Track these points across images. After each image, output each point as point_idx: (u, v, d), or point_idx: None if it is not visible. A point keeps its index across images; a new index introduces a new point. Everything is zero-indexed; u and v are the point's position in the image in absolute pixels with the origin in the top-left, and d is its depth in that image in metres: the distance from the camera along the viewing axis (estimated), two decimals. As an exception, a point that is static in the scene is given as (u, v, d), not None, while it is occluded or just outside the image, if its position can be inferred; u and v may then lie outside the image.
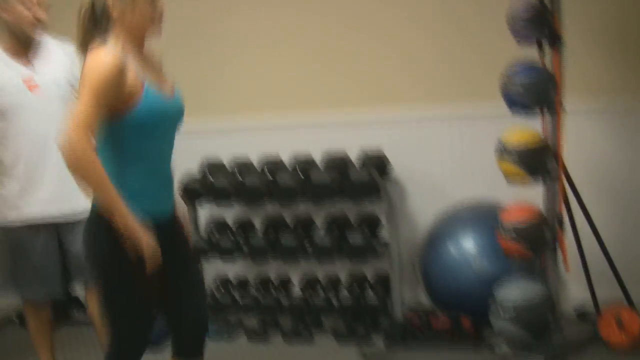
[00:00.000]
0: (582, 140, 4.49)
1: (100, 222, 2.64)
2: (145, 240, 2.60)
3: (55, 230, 3.80)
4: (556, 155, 3.95)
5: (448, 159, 4.76)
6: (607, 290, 4.26)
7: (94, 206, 2.69)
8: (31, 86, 3.66)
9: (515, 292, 3.94)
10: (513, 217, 3.91)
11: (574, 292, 4.54)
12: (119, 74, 2.54)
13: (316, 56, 4.93)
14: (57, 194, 3.73)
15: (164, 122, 2.71)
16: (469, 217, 4.53)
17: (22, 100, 3.64)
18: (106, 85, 2.52)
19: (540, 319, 3.88)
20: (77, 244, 3.75)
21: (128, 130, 2.62)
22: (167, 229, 2.81)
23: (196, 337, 2.94)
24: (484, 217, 4.39)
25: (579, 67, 4.34)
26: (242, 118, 5.07)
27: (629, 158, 4.51)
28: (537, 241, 3.89)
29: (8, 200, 3.73)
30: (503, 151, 3.87)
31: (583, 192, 4.16)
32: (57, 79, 3.72)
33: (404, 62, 4.79)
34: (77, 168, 2.52)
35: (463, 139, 4.71)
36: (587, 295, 4.32)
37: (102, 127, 2.58)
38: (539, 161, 3.84)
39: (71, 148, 2.49)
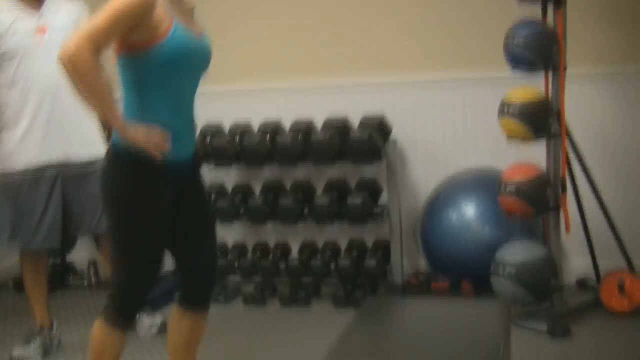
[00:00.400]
0: (586, 106, 4.46)
1: (118, 159, 2.65)
2: (146, 135, 2.57)
3: (58, 180, 3.84)
4: (558, 114, 3.91)
5: (450, 126, 4.71)
6: (609, 259, 4.22)
7: (113, 143, 2.67)
8: (41, 32, 3.74)
9: (516, 251, 3.90)
10: (514, 175, 3.87)
11: (576, 265, 4.49)
12: (146, 5, 2.50)
13: (319, 23, 4.89)
14: (63, 140, 3.80)
15: (190, 60, 2.66)
16: (471, 184, 4.49)
17: (32, 45, 3.71)
18: (129, 12, 2.48)
19: (541, 279, 3.84)
20: (80, 195, 3.87)
21: (154, 65, 2.58)
22: (187, 169, 2.80)
23: (204, 285, 2.92)
24: (486, 184, 4.34)
25: (583, 33, 4.31)
26: (245, 83, 5.04)
27: (634, 125, 4.45)
28: (538, 199, 3.84)
29: (14, 143, 3.78)
30: (505, 109, 3.83)
31: (586, 157, 4.11)
32: (67, 27, 3.75)
33: (407, 28, 4.75)
34: (73, 73, 2.49)
35: (466, 106, 4.67)
36: (589, 266, 4.27)
37: (128, 63, 2.58)
38: (540, 118, 3.81)
39: (70, 52, 2.46)
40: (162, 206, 2.70)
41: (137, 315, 2.76)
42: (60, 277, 5.13)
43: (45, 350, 3.95)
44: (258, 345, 3.94)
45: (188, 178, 2.81)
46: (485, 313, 2.93)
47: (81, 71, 2.46)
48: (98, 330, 2.79)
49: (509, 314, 2.92)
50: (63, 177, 3.84)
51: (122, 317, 2.78)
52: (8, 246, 3.98)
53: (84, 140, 3.88)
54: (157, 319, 4.18)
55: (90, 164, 3.84)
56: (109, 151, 2.71)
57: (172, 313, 2.93)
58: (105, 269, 5.09)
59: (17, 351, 3.89)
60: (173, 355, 2.95)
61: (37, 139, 3.77)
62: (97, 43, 2.47)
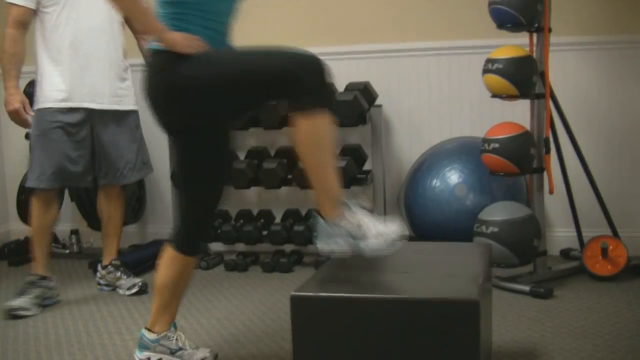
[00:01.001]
0: (571, 75, 4.48)
1: (162, 57, 2.59)
2: (184, 38, 2.54)
3: (87, 124, 3.99)
4: (543, 75, 3.91)
5: (436, 95, 4.71)
6: (593, 228, 4.23)
7: (153, 51, 2.63)
8: None
9: (499, 211, 3.88)
10: (497, 133, 3.86)
11: (561, 237, 4.50)
12: None
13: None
14: (97, 87, 3.99)
15: None
16: (455, 151, 4.46)
17: None
18: None
19: (524, 238, 3.81)
20: (111, 142, 4.07)
21: None
22: None
23: (202, 230, 2.94)
24: (470, 151, 4.32)
25: (568, 2, 4.34)
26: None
27: (619, 94, 4.45)
28: (522, 157, 3.83)
29: (51, 84, 3.92)
30: (489, 65, 3.83)
31: (571, 125, 4.11)
32: None
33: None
34: None
35: (451, 75, 4.67)
36: (573, 238, 4.27)
37: None
38: (525, 75, 3.80)
39: None
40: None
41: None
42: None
43: (43, 301, 3.95)
44: (237, 305, 3.90)
45: None
46: (467, 252, 2.91)
47: None
48: (313, 125, 2.46)
49: (490, 252, 2.90)
50: (93, 123, 4.00)
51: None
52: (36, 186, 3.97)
53: (115, 91, 4.05)
54: (137, 280, 4.16)
55: (119, 114, 4.06)
56: (151, 57, 2.65)
57: (164, 253, 2.89)
58: (87, 237, 5.08)
59: (13, 302, 3.85)
60: (160, 295, 2.91)
61: (73, 82, 3.92)
62: None
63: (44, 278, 3.99)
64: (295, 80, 2.43)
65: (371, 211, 2.56)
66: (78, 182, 4.08)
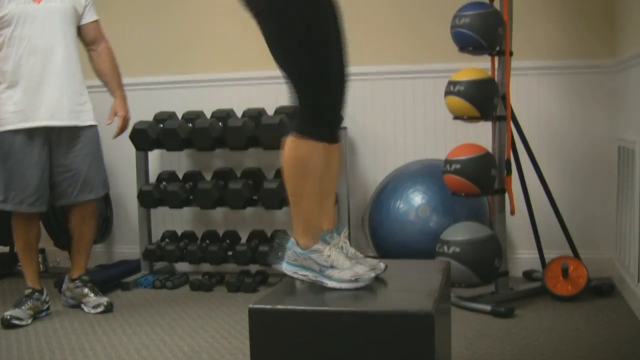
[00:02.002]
0: (532, 98, 4.55)
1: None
2: None
3: (47, 144, 4.01)
4: (504, 98, 3.98)
5: (400, 119, 4.77)
6: (554, 249, 4.28)
7: None
8: (36, 0, 3.96)
9: (460, 231, 3.93)
10: (459, 153, 3.92)
11: (523, 258, 4.55)
12: None
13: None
14: (54, 105, 3.99)
15: None
16: (418, 173, 4.52)
17: (28, 9, 3.92)
18: None
19: (485, 258, 3.85)
20: (67, 162, 4.08)
21: None
22: None
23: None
24: (433, 173, 4.37)
25: (530, 26, 4.43)
26: (205, 75, 5.09)
27: (580, 118, 4.53)
28: (483, 178, 3.88)
29: (7, 104, 3.94)
30: (451, 88, 3.89)
31: (532, 147, 4.18)
32: None
33: (356, 19, 4.80)
34: None
35: (416, 98, 4.73)
36: (535, 260, 4.32)
37: None
38: (486, 96, 3.86)
39: None
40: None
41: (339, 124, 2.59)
42: (8, 265, 5.08)
43: (36, 313, 4.03)
44: (200, 324, 3.91)
45: None
46: (425, 268, 2.95)
47: None
48: (295, 150, 2.49)
49: (448, 268, 2.93)
50: (52, 142, 4.01)
51: (322, 126, 2.53)
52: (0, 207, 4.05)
53: (73, 107, 4.05)
54: (103, 299, 4.16)
55: (78, 130, 4.06)
56: None
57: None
58: (53, 255, 5.07)
59: (8, 312, 3.93)
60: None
61: (29, 102, 3.93)
62: None
63: (38, 291, 4.08)
64: (306, 101, 2.50)
65: (347, 250, 2.58)
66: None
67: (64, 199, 4.14)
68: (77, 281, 4.23)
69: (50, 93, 3.97)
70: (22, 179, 3.96)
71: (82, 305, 4.19)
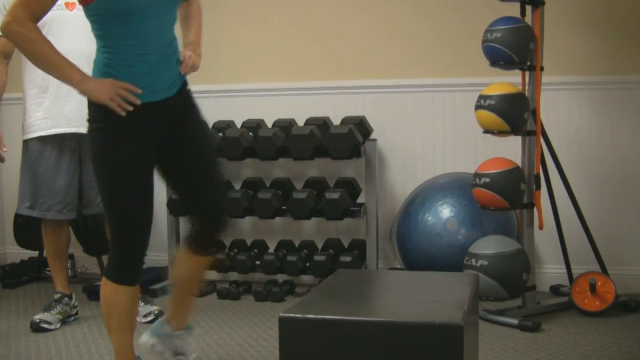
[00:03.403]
0: (562, 114, 4.55)
1: (93, 119, 2.75)
2: (106, 87, 2.64)
3: (76, 151, 4.02)
4: (534, 112, 3.99)
5: (430, 131, 4.78)
6: (582, 264, 4.27)
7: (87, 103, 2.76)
8: (69, 4, 3.94)
9: (489, 244, 3.93)
10: (488, 167, 3.92)
11: (550, 273, 4.54)
12: None
13: (305, 30, 4.98)
14: (82, 112, 3.94)
15: (138, 3, 2.62)
16: (448, 186, 4.53)
17: (60, 16, 3.88)
18: None
19: (513, 272, 3.85)
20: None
21: (104, 17, 2.64)
22: (171, 108, 2.81)
23: (208, 230, 2.95)
24: (462, 187, 4.39)
25: (561, 43, 4.43)
26: (228, 84, 5.12)
27: (609, 134, 4.52)
28: (512, 193, 3.88)
29: (37, 112, 3.95)
30: (481, 102, 3.90)
31: (561, 162, 4.18)
32: None
33: (391, 34, 4.85)
34: (17, 43, 2.65)
35: (446, 112, 4.75)
36: (562, 274, 4.31)
37: (87, 15, 2.68)
38: (516, 111, 3.87)
39: (5, 25, 2.58)
40: (138, 159, 2.75)
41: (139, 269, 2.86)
42: (37, 269, 5.14)
43: (65, 318, 4.08)
44: (228, 332, 3.93)
45: (179, 114, 2.84)
46: (454, 280, 2.95)
47: (20, 42, 2.61)
48: (104, 289, 2.84)
49: (477, 281, 2.94)
50: (81, 149, 4.01)
51: (123, 271, 2.81)
52: (28, 215, 4.10)
53: None
54: (154, 307, 4.20)
55: None
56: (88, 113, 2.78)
57: (178, 253, 3.03)
58: (82, 261, 5.12)
59: (38, 316, 3.99)
60: (173, 292, 3.07)
61: (59, 108, 3.92)
62: (31, 10, 2.59)
63: (67, 296, 4.12)
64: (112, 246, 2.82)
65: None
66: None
67: (90, 208, 4.14)
68: None
69: (81, 99, 3.98)
70: (50, 186, 3.98)
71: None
